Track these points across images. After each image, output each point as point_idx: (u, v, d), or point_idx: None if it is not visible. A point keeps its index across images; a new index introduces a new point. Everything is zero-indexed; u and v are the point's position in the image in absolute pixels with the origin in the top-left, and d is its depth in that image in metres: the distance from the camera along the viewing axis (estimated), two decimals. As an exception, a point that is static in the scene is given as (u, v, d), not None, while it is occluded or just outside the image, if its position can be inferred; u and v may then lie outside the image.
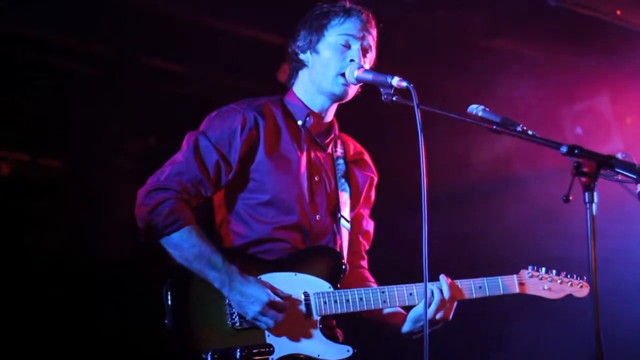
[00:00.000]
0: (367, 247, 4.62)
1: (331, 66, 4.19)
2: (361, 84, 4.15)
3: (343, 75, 4.18)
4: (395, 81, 3.84)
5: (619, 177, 3.38)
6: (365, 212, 4.59)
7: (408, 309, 4.26)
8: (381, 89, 3.92)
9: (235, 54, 6.68)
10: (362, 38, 4.22)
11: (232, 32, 6.67)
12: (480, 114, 3.69)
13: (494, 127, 3.60)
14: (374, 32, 4.29)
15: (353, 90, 4.25)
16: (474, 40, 6.93)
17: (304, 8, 4.36)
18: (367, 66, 4.20)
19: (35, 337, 6.86)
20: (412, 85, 3.76)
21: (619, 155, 4.06)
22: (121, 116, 7.23)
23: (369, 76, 4.03)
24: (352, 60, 4.17)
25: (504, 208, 7.34)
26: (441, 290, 4.17)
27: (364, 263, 4.59)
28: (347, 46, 4.20)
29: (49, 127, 7.21)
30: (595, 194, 3.16)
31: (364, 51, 4.22)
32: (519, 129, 3.58)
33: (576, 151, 3.24)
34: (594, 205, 3.15)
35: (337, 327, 4.28)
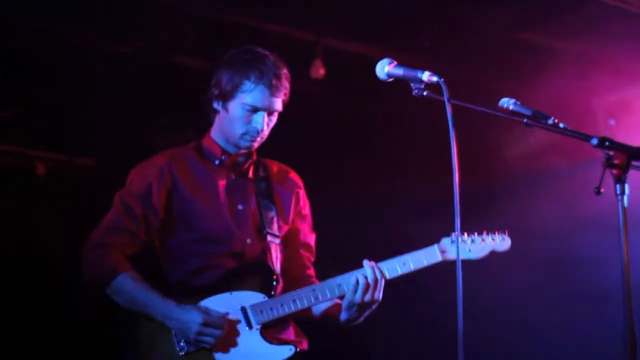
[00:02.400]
0: (312, 259, 4.81)
1: (237, 127, 4.46)
2: (392, 79, 4.17)
3: (249, 134, 4.44)
4: (426, 76, 3.83)
5: (651, 168, 3.37)
6: (302, 226, 4.79)
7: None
8: (412, 84, 3.92)
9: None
10: (269, 105, 4.43)
11: (260, 28, 6.70)
12: (511, 107, 3.68)
13: (525, 120, 3.61)
14: (284, 90, 4.48)
15: (259, 143, 4.52)
16: (505, 34, 6.92)
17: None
18: (271, 123, 4.50)
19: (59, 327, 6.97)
20: (442, 79, 3.76)
21: (651, 147, 4.05)
22: (155, 113, 7.30)
23: (400, 71, 4.03)
24: (255, 127, 4.41)
25: (535, 203, 7.34)
26: (365, 276, 4.34)
27: (311, 272, 4.77)
28: (255, 111, 4.42)
29: (85, 126, 7.30)
30: (626, 185, 3.17)
31: (270, 114, 4.46)
32: (550, 121, 3.57)
33: (607, 143, 3.23)
34: (625, 197, 3.16)
35: (283, 329, 4.49)
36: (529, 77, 6.87)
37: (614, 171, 3.18)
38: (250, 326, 4.33)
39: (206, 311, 4.27)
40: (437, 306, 5.87)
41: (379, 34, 6.84)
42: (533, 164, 7.60)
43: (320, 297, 4.39)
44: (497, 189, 7.58)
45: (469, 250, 4.44)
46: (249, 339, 4.31)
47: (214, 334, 4.24)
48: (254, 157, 4.66)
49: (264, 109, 4.42)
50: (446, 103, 3.66)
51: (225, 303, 4.34)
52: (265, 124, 4.44)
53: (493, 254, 4.47)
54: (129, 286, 4.31)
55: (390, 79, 4.14)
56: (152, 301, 4.29)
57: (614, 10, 6.53)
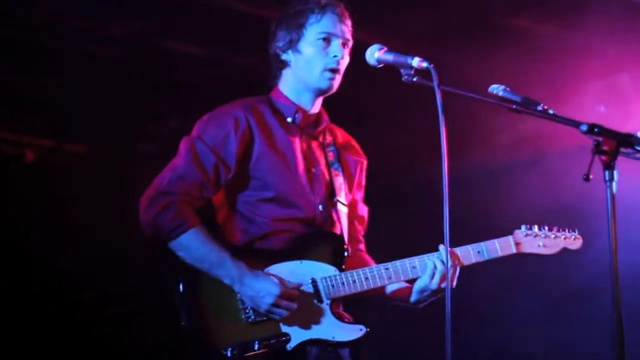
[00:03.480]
0: (363, 232, 4.72)
1: (315, 63, 4.33)
2: (382, 65, 4.16)
3: (327, 70, 4.32)
4: (416, 62, 3.84)
5: (640, 155, 3.38)
6: (359, 197, 4.69)
7: (412, 281, 4.36)
8: (401, 70, 3.92)
9: (258, 37, 6.69)
10: (341, 32, 4.36)
11: (254, 15, 6.68)
12: (500, 93, 3.69)
13: (514, 106, 3.61)
14: (349, 22, 4.43)
15: (338, 82, 4.38)
16: (495, 19, 6.92)
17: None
18: (347, 59, 4.38)
19: (59, 310, 6.96)
20: (432, 65, 3.76)
21: (640, 134, 4.05)
22: (143, 100, 7.27)
23: (390, 57, 4.04)
24: (335, 56, 4.32)
25: (525, 187, 7.35)
26: (442, 261, 4.26)
27: (362, 246, 4.69)
28: (328, 42, 4.33)
29: (73, 112, 7.27)
30: (615, 172, 3.17)
31: (344, 44, 4.37)
32: (539, 108, 3.58)
33: (596, 129, 3.24)
34: (614, 184, 3.16)
35: (347, 307, 4.37)
36: (519, 63, 6.86)
37: (603, 157, 3.19)
38: (320, 300, 4.18)
39: (281, 281, 4.10)
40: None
41: (369, 19, 6.82)
42: (523, 150, 7.60)
43: (393, 277, 4.26)
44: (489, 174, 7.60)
45: (543, 245, 4.42)
46: (319, 313, 4.17)
47: (289, 307, 4.08)
48: (327, 119, 4.55)
49: (337, 36, 4.33)
50: (436, 89, 3.67)
51: (295, 272, 4.18)
52: (342, 51, 4.33)
53: (564, 251, 4.46)
54: (199, 243, 4.09)
55: (380, 65, 4.15)
56: (222, 262, 4.08)
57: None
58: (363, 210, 4.69)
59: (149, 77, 7.06)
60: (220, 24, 6.63)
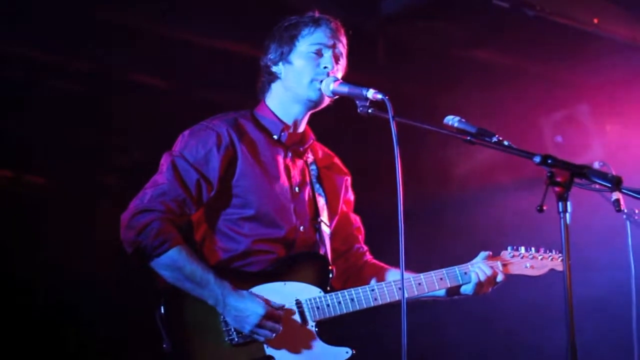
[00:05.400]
0: (363, 240, 4.67)
1: (305, 74, 4.22)
2: (337, 96, 4.17)
3: (317, 80, 4.20)
4: (371, 93, 3.86)
5: (596, 185, 3.39)
6: (349, 211, 4.64)
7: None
8: (357, 102, 3.93)
9: (221, 69, 6.69)
10: (333, 46, 4.26)
11: (218, 48, 6.68)
12: (456, 124, 3.70)
13: (469, 137, 3.62)
14: (344, 39, 4.33)
15: (328, 97, 4.26)
16: (454, 51, 6.96)
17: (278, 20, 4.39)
18: (339, 74, 4.25)
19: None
20: (387, 97, 3.77)
21: (596, 164, 4.09)
22: (105, 132, 7.23)
23: (345, 89, 4.05)
24: (325, 67, 4.21)
25: (482, 218, 7.38)
26: (484, 271, 4.30)
27: (369, 255, 4.64)
28: (319, 54, 4.24)
29: (34, 143, 7.21)
30: (569, 203, 3.18)
31: (336, 58, 4.26)
32: (494, 139, 3.59)
33: (549, 161, 3.25)
34: (567, 215, 3.17)
35: (334, 329, 4.28)
36: (477, 94, 6.90)
37: (556, 189, 3.20)
38: (305, 322, 4.11)
39: (266, 302, 4.02)
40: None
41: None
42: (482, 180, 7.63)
43: (379, 299, 4.21)
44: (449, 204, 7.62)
45: (531, 267, 4.44)
46: (304, 336, 4.09)
47: (274, 328, 4.00)
48: (312, 136, 4.45)
49: (329, 47, 4.24)
50: (391, 121, 3.67)
51: (279, 294, 4.10)
52: (334, 64, 4.21)
53: (552, 271, 4.47)
54: (183, 262, 3.97)
55: (336, 97, 4.16)
56: (206, 282, 3.98)
57: (562, 29, 6.60)
58: (357, 220, 4.65)
59: (113, 109, 7.02)
60: (185, 57, 6.62)
